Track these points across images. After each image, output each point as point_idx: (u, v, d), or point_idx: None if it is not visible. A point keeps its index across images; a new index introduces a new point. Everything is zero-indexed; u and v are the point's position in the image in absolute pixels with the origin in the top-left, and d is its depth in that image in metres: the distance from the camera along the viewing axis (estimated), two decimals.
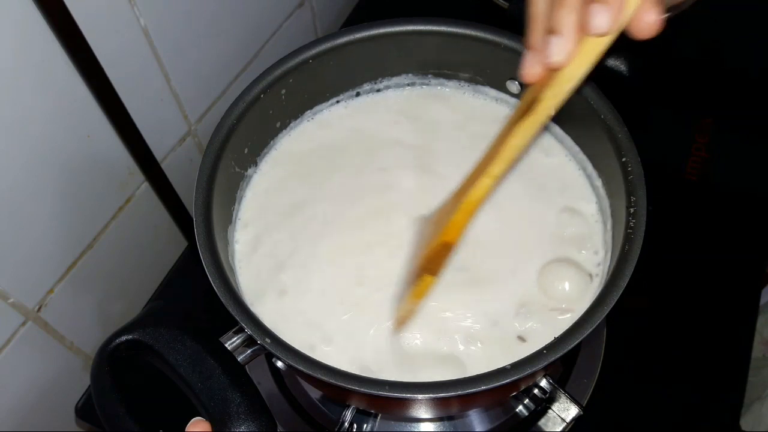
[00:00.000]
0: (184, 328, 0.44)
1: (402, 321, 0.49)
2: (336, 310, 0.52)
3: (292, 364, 0.42)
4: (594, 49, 0.37)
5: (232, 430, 0.41)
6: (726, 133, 0.80)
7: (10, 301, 0.57)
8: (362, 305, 0.52)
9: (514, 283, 0.52)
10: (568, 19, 0.36)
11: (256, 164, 0.59)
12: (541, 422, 0.61)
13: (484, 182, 0.42)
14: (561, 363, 0.64)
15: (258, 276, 0.54)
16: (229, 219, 0.55)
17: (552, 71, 0.38)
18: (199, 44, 0.67)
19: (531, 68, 0.39)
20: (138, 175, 0.67)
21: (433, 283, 0.46)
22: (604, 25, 0.35)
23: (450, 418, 0.63)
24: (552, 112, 0.39)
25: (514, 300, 0.51)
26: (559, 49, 0.36)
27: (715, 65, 0.85)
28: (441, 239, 0.44)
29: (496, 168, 0.41)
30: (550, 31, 0.37)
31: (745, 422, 0.75)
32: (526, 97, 0.41)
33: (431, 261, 0.45)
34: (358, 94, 0.63)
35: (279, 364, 0.64)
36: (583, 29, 0.35)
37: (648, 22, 0.35)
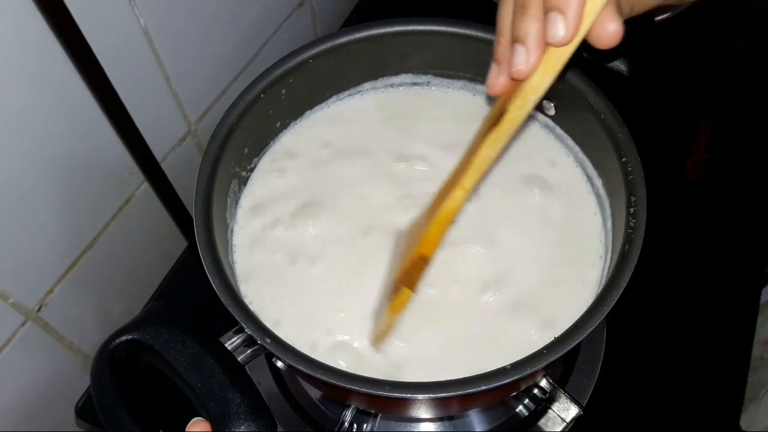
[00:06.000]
0: (184, 328, 0.44)
1: (381, 336, 0.49)
2: (335, 307, 0.52)
3: (292, 364, 0.42)
4: (557, 59, 0.37)
5: (232, 430, 0.41)
6: (726, 133, 0.80)
7: (10, 301, 0.57)
8: (362, 304, 0.52)
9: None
10: (531, 28, 0.36)
11: (256, 164, 0.59)
12: (541, 422, 0.61)
13: (457, 195, 0.42)
14: (561, 363, 0.64)
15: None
16: (229, 219, 0.55)
17: (517, 82, 0.38)
18: (199, 44, 0.67)
19: (496, 80, 0.39)
20: (138, 175, 0.67)
21: (411, 297, 0.45)
22: (563, 34, 0.35)
23: (450, 418, 0.63)
24: (518, 124, 0.39)
25: None
26: (522, 59, 0.36)
27: (715, 65, 0.85)
28: (417, 252, 0.44)
29: (468, 180, 0.42)
30: (514, 41, 0.37)
31: (742, 422, 0.75)
32: (495, 108, 0.41)
33: (408, 274, 0.45)
34: (358, 94, 0.63)
35: (279, 364, 0.64)
36: (546, 39, 0.36)
37: (609, 31, 0.35)
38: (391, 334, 0.49)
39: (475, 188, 0.42)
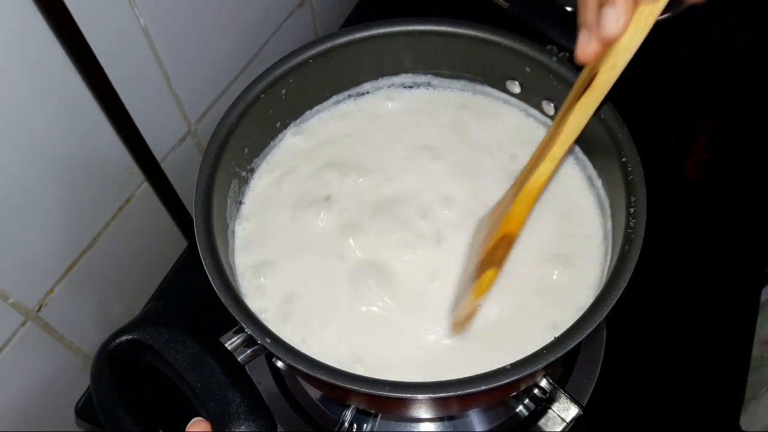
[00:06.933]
0: (184, 328, 0.44)
1: (463, 322, 0.47)
2: (334, 309, 0.52)
3: (292, 364, 0.42)
4: (647, 16, 0.36)
5: (232, 430, 0.41)
6: (726, 133, 0.80)
7: (10, 301, 0.57)
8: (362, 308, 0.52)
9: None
10: None
11: (256, 164, 0.59)
12: (541, 422, 0.61)
13: (545, 167, 0.41)
14: (561, 363, 0.64)
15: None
16: (229, 219, 0.55)
17: (607, 46, 0.38)
18: (199, 44, 0.67)
19: (586, 46, 0.38)
20: (138, 175, 0.67)
21: (496, 275, 0.44)
22: None
23: (450, 418, 0.63)
24: (609, 86, 0.39)
25: None
26: (613, 21, 0.36)
27: (715, 65, 0.85)
28: (502, 231, 0.44)
29: (557, 151, 0.41)
30: (602, 4, 0.36)
31: (742, 422, 0.75)
32: (583, 74, 0.40)
33: (493, 255, 0.44)
34: (358, 94, 0.63)
35: (279, 364, 0.64)
36: None
37: None
38: (475, 317, 0.47)
39: (563, 160, 0.41)
